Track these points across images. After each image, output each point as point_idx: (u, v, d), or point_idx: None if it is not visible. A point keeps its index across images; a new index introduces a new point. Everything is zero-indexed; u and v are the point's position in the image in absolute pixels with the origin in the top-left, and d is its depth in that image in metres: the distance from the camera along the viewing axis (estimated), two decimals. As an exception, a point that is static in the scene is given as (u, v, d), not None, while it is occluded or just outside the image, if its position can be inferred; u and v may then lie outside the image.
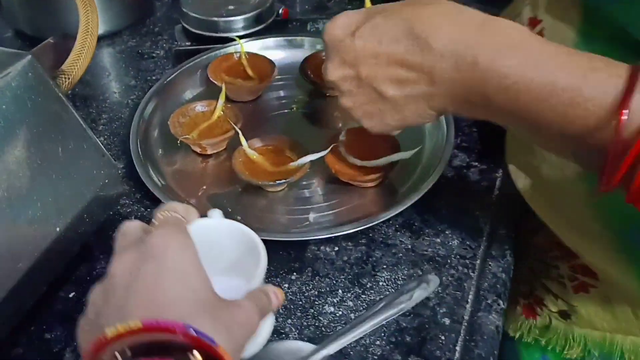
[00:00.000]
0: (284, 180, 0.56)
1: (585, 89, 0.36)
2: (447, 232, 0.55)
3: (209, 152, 0.61)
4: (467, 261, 0.53)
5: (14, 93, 0.44)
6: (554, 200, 0.52)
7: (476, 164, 0.62)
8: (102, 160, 0.50)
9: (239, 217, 0.55)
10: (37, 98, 0.45)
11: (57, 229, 0.46)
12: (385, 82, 0.45)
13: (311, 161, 0.57)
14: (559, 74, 0.37)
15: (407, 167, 0.60)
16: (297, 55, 0.73)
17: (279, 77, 0.70)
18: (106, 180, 0.50)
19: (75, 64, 0.51)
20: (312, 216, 0.57)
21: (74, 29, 0.75)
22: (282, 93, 0.71)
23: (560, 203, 0.52)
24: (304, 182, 0.59)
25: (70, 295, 0.51)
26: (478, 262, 0.53)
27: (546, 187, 0.53)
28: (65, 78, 0.50)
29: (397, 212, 0.54)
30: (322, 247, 0.54)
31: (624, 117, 0.34)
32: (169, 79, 0.68)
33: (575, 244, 0.51)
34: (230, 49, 0.72)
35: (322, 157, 0.57)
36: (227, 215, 0.49)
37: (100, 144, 0.50)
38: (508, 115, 0.41)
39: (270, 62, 0.70)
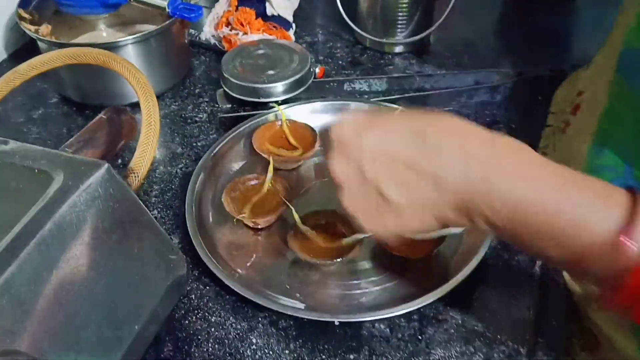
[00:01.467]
0: (340, 259, 0.59)
1: (587, 216, 0.39)
2: (494, 307, 0.58)
3: (260, 227, 0.64)
4: (519, 337, 0.56)
5: (95, 203, 0.46)
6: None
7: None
8: (172, 252, 0.53)
9: (297, 294, 0.58)
10: (115, 204, 0.48)
11: (136, 327, 0.49)
12: (389, 184, 0.45)
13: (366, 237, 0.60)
14: (562, 201, 0.39)
15: (453, 240, 0.63)
16: (334, 117, 0.75)
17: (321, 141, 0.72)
18: (176, 271, 0.53)
19: (142, 161, 0.54)
20: (365, 292, 0.59)
21: (123, 98, 0.79)
22: (321, 159, 0.73)
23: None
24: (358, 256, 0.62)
25: (143, 379, 0.54)
26: (527, 336, 0.56)
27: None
28: (134, 177, 0.53)
29: (447, 290, 0.57)
30: (376, 325, 0.57)
31: (629, 245, 0.37)
32: (215, 151, 0.71)
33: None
34: (272, 115, 0.75)
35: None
36: (285, 291, 0.52)
37: (169, 239, 0.52)
38: (508, 232, 0.42)
39: (311, 129, 0.72)
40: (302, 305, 0.58)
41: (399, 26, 0.88)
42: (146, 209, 0.51)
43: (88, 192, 0.46)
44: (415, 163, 0.43)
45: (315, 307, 0.58)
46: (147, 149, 0.55)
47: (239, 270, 0.61)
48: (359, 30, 0.90)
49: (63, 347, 0.44)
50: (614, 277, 0.38)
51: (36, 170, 0.48)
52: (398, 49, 0.90)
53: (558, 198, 0.39)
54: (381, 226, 0.48)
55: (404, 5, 0.86)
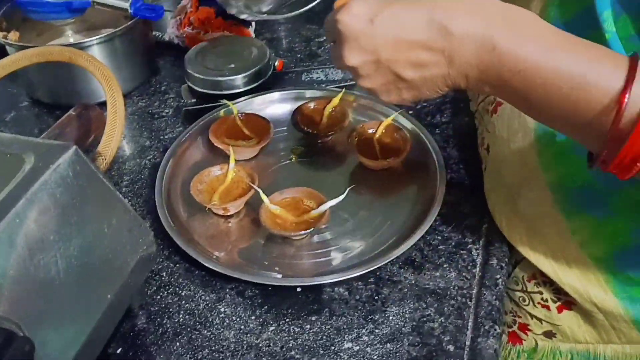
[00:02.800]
0: (309, 231, 0.63)
1: (590, 75, 0.41)
2: (445, 266, 0.63)
3: (230, 213, 0.68)
4: (465, 291, 0.60)
5: (65, 182, 0.50)
6: (531, 233, 0.60)
7: (467, 199, 0.69)
8: (140, 229, 0.57)
9: (277, 268, 0.63)
10: (83, 183, 0.52)
11: (109, 296, 0.53)
12: (405, 66, 0.47)
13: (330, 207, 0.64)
14: (568, 60, 0.42)
15: (404, 208, 0.68)
16: (291, 106, 0.80)
17: (276, 130, 0.77)
18: (144, 246, 0.57)
19: (109, 144, 0.58)
20: (331, 259, 0.64)
21: (91, 97, 0.83)
22: (280, 146, 0.78)
23: (537, 235, 0.60)
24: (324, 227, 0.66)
25: (118, 351, 0.58)
26: (474, 291, 0.60)
27: (523, 221, 0.61)
28: (102, 159, 0.57)
29: (400, 252, 0.61)
30: (336, 289, 0.61)
31: (625, 102, 0.40)
32: (180, 143, 0.75)
33: (553, 272, 0.59)
34: (222, 111, 0.79)
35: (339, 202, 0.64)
36: (263, 266, 0.56)
37: (138, 216, 0.56)
38: (518, 96, 0.45)
39: (265, 119, 0.77)
40: (279, 276, 0.62)
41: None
42: (114, 188, 0.55)
43: (58, 172, 0.50)
44: (428, 44, 0.46)
45: (287, 276, 0.62)
46: (113, 133, 0.59)
47: (216, 254, 0.65)
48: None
49: (39, 313, 0.47)
50: (615, 136, 0.41)
51: (8, 155, 0.51)
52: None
53: (565, 56, 0.42)
54: (398, 99, 0.51)
55: None
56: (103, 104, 0.78)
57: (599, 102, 0.41)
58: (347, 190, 0.65)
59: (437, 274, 0.62)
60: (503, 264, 0.63)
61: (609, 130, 0.41)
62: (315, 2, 0.90)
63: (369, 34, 0.47)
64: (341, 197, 0.64)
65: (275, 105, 0.82)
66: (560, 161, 0.57)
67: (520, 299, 0.66)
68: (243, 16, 0.89)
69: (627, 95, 0.40)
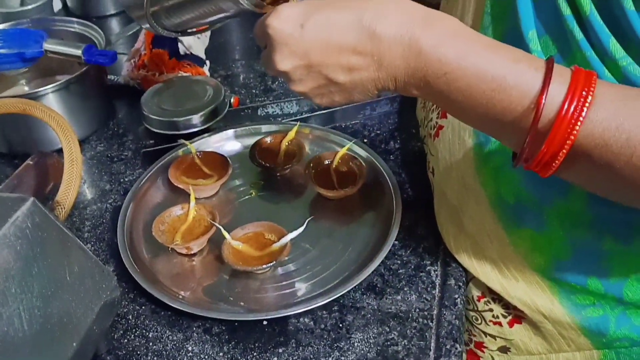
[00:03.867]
0: (272, 264, 0.65)
1: (510, 77, 0.44)
2: (405, 289, 0.65)
3: (194, 251, 0.69)
4: (426, 313, 0.62)
5: (23, 234, 0.51)
6: (477, 249, 0.63)
7: (422, 221, 0.71)
8: (102, 274, 0.57)
9: (242, 303, 0.64)
10: (43, 234, 0.52)
11: (74, 344, 0.53)
12: (335, 70, 0.49)
13: (291, 240, 0.66)
14: (488, 64, 0.44)
15: (364, 234, 0.70)
16: (248, 142, 0.82)
17: (234, 166, 0.79)
18: (108, 292, 0.57)
19: (67, 193, 0.58)
20: (294, 290, 0.65)
21: (48, 145, 0.83)
22: (238, 182, 0.79)
23: (482, 251, 0.62)
24: (287, 259, 0.68)
25: (87, 397, 0.58)
26: (435, 312, 0.62)
27: (468, 238, 0.64)
28: (61, 209, 0.58)
29: (361, 279, 0.63)
30: (301, 319, 0.63)
31: (543, 103, 0.42)
32: (140, 185, 0.76)
33: (501, 287, 0.61)
34: (181, 150, 0.80)
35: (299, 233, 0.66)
36: (228, 302, 0.57)
37: (99, 261, 0.57)
38: (443, 98, 0.47)
39: (223, 156, 0.79)
40: (243, 311, 0.63)
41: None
42: (74, 237, 0.55)
43: (16, 225, 0.50)
44: (357, 48, 0.47)
45: (253, 310, 0.63)
46: (71, 182, 0.59)
47: (181, 293, 0.65)
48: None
49: (5, 367, 0.48)
50: (535, 136, 0.43)
51: (-36, 211, 0.52)
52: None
53: (487, 59, 0.45)
54: (330, 102, 0.53)
55: None
56: (60, 151, 0.79)
57: (518, 104, 0.44)
58: (307, 221, 0.67)
59: (399, 297, 0.64)
60: (460, 284, 0.65)
61: (529, 130, 0.44)
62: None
63: (299, 38, 0.48)
64: (301, 229, 0.66)
65: (232, 142, 0.83)
66: (497, 178, 0.60)
67: (473, 317, 0.68)
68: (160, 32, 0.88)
69: (544, 97, 0.43)
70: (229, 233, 0.67)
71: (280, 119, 0.88)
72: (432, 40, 0.46)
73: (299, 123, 0.82)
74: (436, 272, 0.66)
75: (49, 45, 0.84)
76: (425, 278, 0.66)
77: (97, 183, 0.81)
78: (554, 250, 0.59)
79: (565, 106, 0.42)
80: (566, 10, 0.50)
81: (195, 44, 0.96)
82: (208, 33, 0.98)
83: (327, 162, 0.78)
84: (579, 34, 0.49)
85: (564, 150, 0.43)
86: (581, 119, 0.42)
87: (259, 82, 0.98)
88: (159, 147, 0.83)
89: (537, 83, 0.43)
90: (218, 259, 0.68)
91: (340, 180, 0.76)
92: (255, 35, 0.54)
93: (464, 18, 0.61)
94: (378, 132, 0.86)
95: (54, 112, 0.65)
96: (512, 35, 0.54)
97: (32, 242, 0.51)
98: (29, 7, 1.04)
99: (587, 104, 0.42)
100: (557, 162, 0.44)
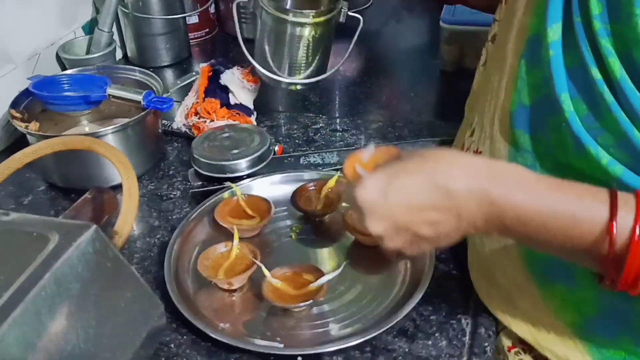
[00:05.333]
0: (308, 303, 0.68)
1: (578, 213, 0.49)
2: (436, 335, 0.67)
3: (234, 287, 0.73)
4: (455, 358, 0.64)
5: (85, 258, 0.55)
6: (509, 301, 0.65)
7: (455, 272, 0.74)
8: (151, 302, 0.61)
9: (278, 338, 0.67)
10: (102, 259, 0.57)
11: (121, 365, 0.56)
12: (420, 226, 0.54)
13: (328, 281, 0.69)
14: (556, 204, 0.50)
15: (397, 280, 0.72)
16: (290, 188, 0.86)
17: (276, 209, 0.83)
18: (155, 318, 0.61)
19: (125, 224, 0.63)
20: (328, 329, 0.68)
21: (103, 181, 0.89)
22: (280, 224, 0.83)
23: (514, 303, 0.64)
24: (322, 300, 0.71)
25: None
26: (464, 358, 0.64)
27: (501, 291, 0.66)
28: (118, 237, 0.62)
29: (394, 322, 0.65)
30: (334, 357, 0.65)
31: (615, 231, 0.47)
32: (188, 222, 0.81)
33: (532, 337, 0.63)
34: (227, 193, 0.85)
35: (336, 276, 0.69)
36: (265, 337, 0.62)
37: (150, 289, 0.61)
38: (522, 236, 0.52)
39: (266, 200, 0.83)
40: (281, 345, 0.66)
41: (302, 68, 1.02)
42: (129, 264, 0.60)
43: (79, 249, 0.55)
44: (436, 205, 0.53)
45: (288, 346, 0.66)
46: (129, 213, 0.64)
47: (221, 326, 0.69)
48: (265, 72, 1.02)
49: (60, 380, 0.51)
50: (614, 261, 0.48)
51: (34, 234, 0.57)
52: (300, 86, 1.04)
53: (554, 199, 0.50)
54: (420, 251, 0.58)
55: (305, 49, 0.99)
56: (115, 187, 0.85)
57: (591, 234, 0.49)
58: (343, 264, 0.70)
59: (429, 342, 0.66)
60: (491, 332, 0.67)
61: (607, 257, 0.48)
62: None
63: (384, 205, 0.54)
64: (338, 272, 0.69)
65: (275, 187, 0.88)
66: None
67: None
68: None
69: (614, 226, 0.47)
70: (268, 271, 0.70)
71: (321, 168, 0.92)
72: (500, 190, 0.51)
73: (338, 173, 0.86)
74: (467, 321, 0.68)
75: (112, 90, 0.92)
76: (456, 325, 0.68)
77: (147, 219, 0.86)
78: (584, 307, 0.61)
79: (637, 231, 0.47)
80: (597, 74, 0.53)
81: (245, 95, 1.03)
82: (257, 86, 1.04)
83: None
84: (609, 97, 0.53)
85: None
86: None
87: (301, 133, 1.03)
88: (206, 188, 0.88)
89: (605, 214, 0.48)
90: (257, 296, 0.71)
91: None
92: (346, 201, 0.61)
93: (501, 82, 0.66)
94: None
95: (116, 149, 0.71)
96: (546, 98, 0.58)
97: (92, 266, 0.56)
98: (94, 55, 1.12)
99: None
100: None
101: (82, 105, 0.94)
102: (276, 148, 0.96)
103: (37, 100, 0.95)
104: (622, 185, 0.53)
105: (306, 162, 0.94)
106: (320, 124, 1.05)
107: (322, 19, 0.98)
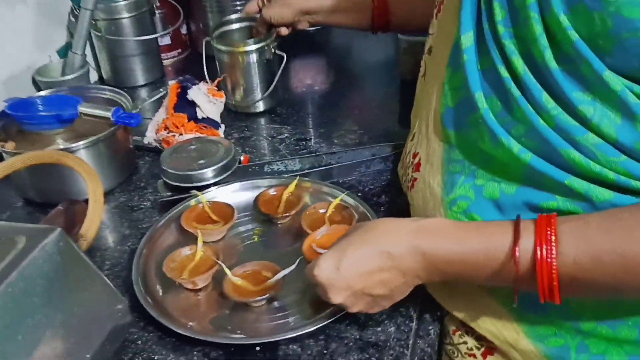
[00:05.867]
0: (265, 297, 0.73)
1: (490, 246, 0.57)
2: (385, 322, 0.71)
3: (199, 287, 0.77)
4: (402, 342, 0.69)
5: (51, 258, 0.60)
6: (450, 285, 0.70)
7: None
8: (115, 298, 0.66)
9: (239, 331, 0.71)
10: (66, 259, 0.62)
11: (87, 356, 0.61)
12: (375, 288, 0.63)
13: (284, 276, 0.74)
14: (473, 243, 0.59)
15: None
16: (254, 194, 0.92)
17: (240, 214, 0.88)
18: (119, 314, 0.66)
19: (90, 228, 0.68)
20: (287, 321, 0.72)
21: (77, 195, 0.93)
22: (243, 228, 0.88)
23: (454, 287, 0.69)
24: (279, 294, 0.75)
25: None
26: (410, 342, 0.69)
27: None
28: (83, 240, 0.67)
29: (345, 311, 0.70)
30: (290, 346, 0.70)
31: (517, 255, 0.55)
32: (155, 229, 0.85)
33: (471, 319, 0.68)
34: (193, 201, 0.90)
35: (291, 271, 0.74)
36: (227, 331, 0.65)
37: (113, 287, 0.66)
38: (456, 277, 0.61)
39: (230, 206, 0.88)
40: (241, 337, 0.71)
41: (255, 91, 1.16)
42: (92, 264, 0.65)
43: (45, 250, 0.60)
44: (383, 267, 0.61)
45: (248, 337, 0.70)
46: (94, 218, 0.69)
47: (189, 323, 0.73)
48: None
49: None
50: (525, 282, 0.55)
51: (3, 239, 0.61)
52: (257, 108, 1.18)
53: (472, 241, 0.59)
54: (380, 308, 0.67)
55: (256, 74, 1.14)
56: (87, 200, 0.89)
57: (503, 262, 0.57)
58: (297, 260, 0.75)
59: (379, 329, 0.71)
60: (435, 317, 0.72)
61: (518, 279, 0.56)
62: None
63: (339, 278, 0.62)
64: (292, 267, 0.74)
65: (240, 193, 0.93)
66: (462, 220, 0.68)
67: (450, 351, 0.74)
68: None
69: (517, 250, 0.55)
70: (229, 270, 0.75)
71: (284, 175, 0.98)
72: (428, 243, 0.60)
73: (298, 177, 0.91)
74: (415, 307, 0.73)
75: (83, 108, 0.97)
76: (404, 312, 0.72)
77: (118, 229, 0.91)
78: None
79: (538, 251, 0.54)
80: (504, 73, 0.60)
81: (211, 108, 1.08)
82: (223, 99, 1.10)
83: (321, 211, 0.86)
84: (516, 92, 0.59)
85: (555, 283, 0.54)
86: (553, 255, 0.54)
87: (267, 143, 1.09)
88: (174, 197, 0.93)
89: (509, 241, 0.56)
90: (221, 294, 0.76)
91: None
92: (307, 279, 0.68)
93: (434, 88, 0.72)
94: (371, 187, 0.95)
95: (83, 161, 0.76)
96: (465, 99, 0.64)
97: (57, 265, 0.61)
98: (68, 77, 1.18)
99: (553, 243, 0.54)
100: (556, 292, 0.55)
101: (55, 124, 0.99)
102: (242, 158, 1.01)
103: (13, 122, 1.00)
104: (532, 170, 0.59)
105: (270, 169, 0.99)
106: (286, 134, 1.11)
107: (262, 44, 1.12)
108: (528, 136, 0.60)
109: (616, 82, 0.54)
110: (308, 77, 1.35)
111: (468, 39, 0.64)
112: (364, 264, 0.62)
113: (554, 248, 0.54)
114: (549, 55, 0.57)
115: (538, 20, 0.56)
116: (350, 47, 1.48)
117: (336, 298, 0.64)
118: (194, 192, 0.91)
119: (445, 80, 0.68)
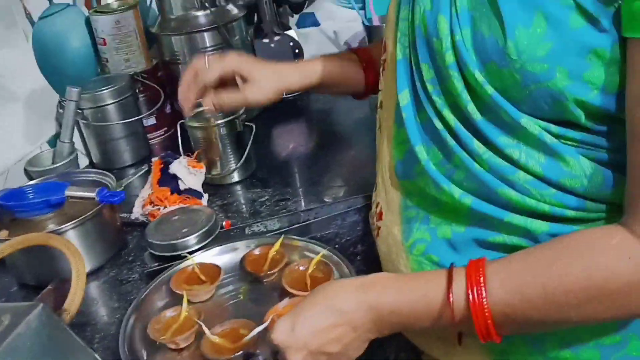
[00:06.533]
0: (240, 353, 0.75)
1: (429, 294, 0.61)
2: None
3: (182, 346, 0.80)
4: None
5: (35, 333, 0.64)
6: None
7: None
8: (101, 369, 0.69)
9: None
10: (50, 333, 0.65)
11: None
12: (329, 345, 0.65)
13: (260, 332, 0.76)
14: (412, 292, 0.62)
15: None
16: (238, 255, 0.96)
17: (227, 275, 0.92)
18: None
19: (72, 302, 0.72)
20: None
21: (68, 275, 0.97)
22: (230, 287, 0.92)
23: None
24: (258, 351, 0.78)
25: None
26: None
27: None
28: (66, 314, 0.71)
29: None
30: (272, 398, 0.72)
31: (451, 299, 0.59)
32: (143, 297, 0.89)
33: (447, 357, 0.71)
34: (188, 261, 0.94)
35: (265, 328, 0.77)
36: None
37: (99, 358, 0.69)
38: (403, 327, 0.65)
39: (217, 266, 0.92)
40: None
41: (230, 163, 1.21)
42: (76, 336, 0.68)
43: (28, 325, 0.64)
44: (335, 324, 0.64)
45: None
46: (76, 292, 0.73)
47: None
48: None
49: None
50: (463, 325, 0.59)
51: (-10, 318, 0.65)
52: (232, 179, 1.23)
53: (411, 291, 0.62)
54: None
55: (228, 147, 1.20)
56: (78, 278, 0.93)
57: (440, 307, 0.60)
58: (271, 317, 0.78)
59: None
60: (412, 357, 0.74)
61: (455, 322, 0.59)
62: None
63: (295, 338, 0.65)
64: (266, 324, 0.76)
65: (222, 257, 0.97)
66: (421, 263, 0.72)
67: None
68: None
69: (451, 294, 0.59)
70: (208, 329, 0.78)
71: (266, 235, 1.02)
72: (372, 297, 0.64)
73: (283, 236, 0.95)
74: (391, 350, 0.76)
75: (69, 192, 1.02)
76: (382, 356, 0.75)
77: (108, 302, 0.95)
78: None
79: (470, 293, 0.58)
80: (439, 125, 0.65)
81: (193, 179, 1.14)
82: (203, 170, 1.16)
83: (302, 269, 0.90)
84: (451, 142, 0.64)
85: (489, 322, 0.58)
86: (483, 295, 0.58)
87: (248, 207, 1.14)
88: (161, 266, 0.97)
89: (443, 287, 0.60)
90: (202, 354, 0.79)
91: (313, 283, 0.87)
92: (268, 343, 0.70)
93: (386, 142, 0.77)
94: (348, 238, 0.99)
95: (67, 240, 0.81)
96: (410, 151, 0.70)
97: (42, 339, 0.64)
98: (58, 164, 1.24)
99: (481, 284, 0.58)
100: (492, 331, 0.58)
101: (45, 209, 1.04)
102: (224, 223, 1.05)
103: (6, 211, 1.06)
104: (475, 211, 0.64)
105: (251, 231, 1.04)
106: (266, 197, 1.16)
107: (230, 118, 1.17)
108: (467, 180, 0.65)
109: (533, 127, 0.60)
110: (289, 141, 1.42)
111: (405, 97, 0.70)
112: (317, 322, 0.64)
113: (483, 289, 0.58)
114: (472, 107, 0.63)
115: (459, 78, 0.63)
116: (330, 108, 1.55)
117: (294, 358, 0.65)
118: (184, 253, 0.95)
119: (393, 134, 0.74)
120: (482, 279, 0.58)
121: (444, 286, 0.60)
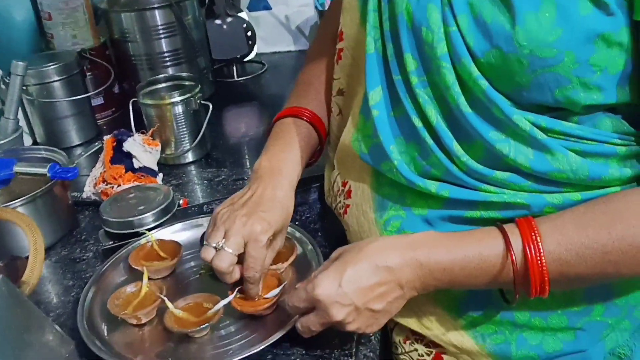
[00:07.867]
0: (205, 326, 0.75)
1: (484, 252, 0.62)
2: (329, 335, 0.74)
3: (143, 321, 0.79)
4: (346, 351, 0.72)
5: (-6, 304, 0.61)
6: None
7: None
8: (61, 340, 0.67)
9: None
10: (10, 305, 0.63)
11: (37, 397, 0.62)
12: (374, 302, 0.65)
13: (224, 305, 0.76)
14: (466, 250, 0.62)
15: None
16: (199, 232, 0.95)
17: (188, 252, 0.91)
18: (66, 355, 0.67)
19: (32, 274, 0.69)
20: (231, 348, 0.74)
21: (19, 250, 0.94)
22: (191, 264, 0.91)
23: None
24: (222, 324, 0.78)
25: None
26: (354, 350, 0.72)
27: None
28: (26, 286, 0.68)
29: (288, 329, 0.73)
30: (239, 371, 0.72)
31: (514, 257, 0.60)
32: (101, 272, 0.87)
33: (419, 326, 0.72)
34: (144, 240, 0.92)
35: (229, 303, 0.76)
36: None
37: (59, 328, 0.67)
38: (452, 284, 0.64)
39: (177, 243, 0.90)
40: None
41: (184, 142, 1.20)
42: (36, 307, 0.66)
43: (-13, 296, 0.61)
44: (382, 281, 0.64)
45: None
46: (35, 264, 0.70)
47: (135, 358, 0.74)
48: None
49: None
50: (519, 280, 0.60)
51: (-55, 291, 0.62)
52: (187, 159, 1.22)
53: (463, 248, 0.62)
54: (378, 326, 0.68)
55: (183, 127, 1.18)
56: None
57: (497, 264, 0.61)
58: (235, 291, 0.77)
59: (324, 342, 0.74)
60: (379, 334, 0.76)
61: (515, 277, 0.60)
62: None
63: (342, 294, 0.64)
64: (231, 297, 0.76)
65: (182, 233, 0.95)
66: None
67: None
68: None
69: (512, 253, 0.60)
70: (172, 303, 0.77)
71: (223, 214, 1.01)
72: (423, 254, 0.64)
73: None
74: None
75: (18, 168, 0.98)
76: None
77: (61, 281, 0.92)
78: (456, 293, 0.71)
79: (528, 250, 0.59)
80: (418, 122, 0.66)
81: (148, 157, 1.11)
82: (159, 148, 1.14)
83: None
84: (429, 141, 0.65)
85: (546, 278, 0.59)
86: (541, 252, 0.59)
87: (205, 186, 1.13)
88: (116, 244, 0.95)
89: (502, 246, 0.61)
90: (166, 328, 0.78)
91: (276, 258, 0.87)
92: (292, 307, 0.69)
93: (350, 128, 0.77)
94: (308, 215, 0.99)
95: (21, 213, 0.78)
96: (378, 147, 0.70)
97: (3, 311, 0.62)
98: (2, 141, 1.19)
99: (539, 242, 0.59)
100: (547, 287, 0.60)
101: (-10, 186, 1.00)
102: (181, 201, 1.04)
103: (-51, 189, 1.01)
104: (452, 199, 0.66)
105: (210, 209, 1.02)
106: (223, 177, 1.15)
107: (187, 96, 1.16)
108: (445, 177, 0.67)
109: (525, 123, 0.62)
110: (242, 124, 1.41)
111: (376, 94, 0.69)
112: (365, 279, 0.64)
113: (541, 246, 0.59)
114: (462, 101, 0.63)
115: (450, 70, 0.63)
116: (283, 94, 1.54)
117: (338, 314, 0.65)
118: (143, 229, 0.93)
119: (358, 126, 0.74)
120: (538, 237, 0.59)
121: (500, 243, 0.61)
